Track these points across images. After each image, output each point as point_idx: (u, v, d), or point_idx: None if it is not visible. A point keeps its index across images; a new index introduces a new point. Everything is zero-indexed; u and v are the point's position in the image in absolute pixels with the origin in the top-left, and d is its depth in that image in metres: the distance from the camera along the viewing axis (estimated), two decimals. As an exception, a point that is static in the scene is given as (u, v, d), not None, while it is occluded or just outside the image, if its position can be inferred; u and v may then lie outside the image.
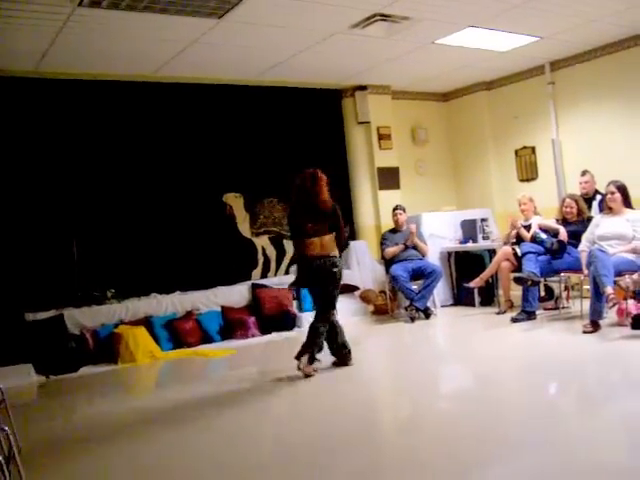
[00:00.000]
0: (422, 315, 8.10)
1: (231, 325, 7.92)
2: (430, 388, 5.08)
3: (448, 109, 10.91)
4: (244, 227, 8.92)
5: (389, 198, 9.51)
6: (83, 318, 7.29)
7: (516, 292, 7.61)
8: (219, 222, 8.68)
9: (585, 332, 6.08)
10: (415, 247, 8.42)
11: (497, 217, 9.52)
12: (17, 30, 6.07)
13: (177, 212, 8.33)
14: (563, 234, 7.18)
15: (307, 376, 5.47)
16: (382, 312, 8.89)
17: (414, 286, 8.22)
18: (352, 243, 9.50)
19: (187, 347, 7.51)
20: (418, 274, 8.25)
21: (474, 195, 10.47)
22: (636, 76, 8.29)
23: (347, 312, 8.67)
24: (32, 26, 6.00)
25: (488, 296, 8.78)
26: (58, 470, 3.76)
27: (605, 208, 6.84)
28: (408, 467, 3.27)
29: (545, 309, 7.76)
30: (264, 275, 9.04)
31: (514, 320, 7.13)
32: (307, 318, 8.23)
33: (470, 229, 8.99)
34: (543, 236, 7.29)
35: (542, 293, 8.03)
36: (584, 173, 7.98)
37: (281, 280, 8.78)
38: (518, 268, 7.44)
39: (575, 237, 7.04)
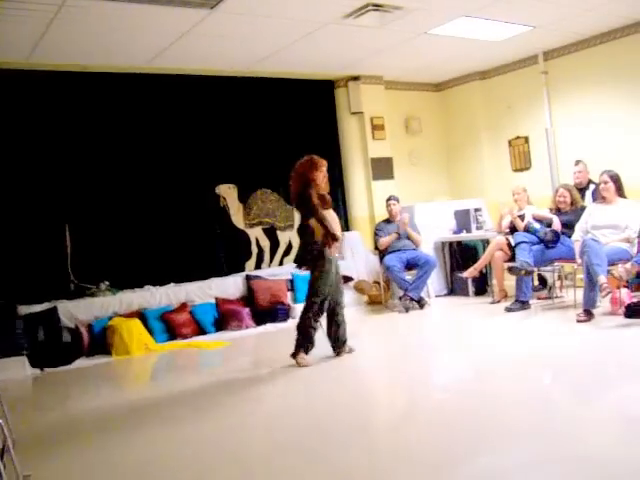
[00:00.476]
0: (416, 305, 8.12)
1: (225, 317, 7.91)
2: (424, 378, 5.09)
3: (441, 99, 10.89)
4: (238, 218, 8.90)
5: (383, 188, 9.51)
6: (77, 311, 7.27)
7: (510, 282, 7.62)
8: (213, 213, 8.66)
9: (579, 321, 6.10)
10: (409, 237, 8.42)
11: (490, 207, 9.52)
12: (8, 21, 6.01)
13: (171, 203, 8.31)
14: (557, 224, 7.19)
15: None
16: (376, 302, 8.91)
17: (408, 276, 8.22)
18: (346, 234, 9.50)
19: (181, 339, 7.51)
20: (412, 264, 8.26)
21: (468, 185, 10.47)
22: (629, 65, 8.28)
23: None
24: (23, 17, 5.95)
25: (482, 286, 8.80)
26: (53, 462, 3.75)
27: (598, 197, 6.85)
28: (402, 458, 3.28)
29: (539, 298, 7.78)
30: (258, 266, 9.03)
31: (508, 310, 7.15)
32: (301, 309, 8.27)
33: (464, 219, 9.00)
34: (537, 226, 7.29)
35: (536, 283, 8.06)
36: (577, 163, 8.00)
37: (275, 271, 8.78)
38: (512, 258, 7.46)
39: (569, 227, 7.06)
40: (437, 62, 9.42)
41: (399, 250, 8.30)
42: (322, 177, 5.71)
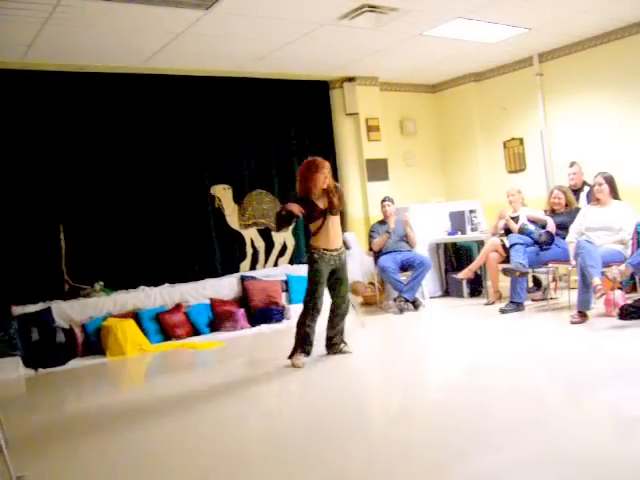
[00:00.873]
0: (411, 306, 8.12)
1: (220, 317, 7.91)
2: (419, 379, 5.09)
3: (437, 101, 10.91)
4: (232, 219, 8.89)
5: (378, 190, 9.51)
6: (71, 311, 7.27)
7: (504, 283, 7.63)
8: (207, 214, 8.65)
9: (573, 323, 6.11)
10: (405, 237, 8.41)
11: (485, 209, 9.54)
12: (2, 21, 6.00)
13: (165, 204, 8.30)
14: (551, 225, 7.20)
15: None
16: (371, 304, 8.91)
17: (403, 277, 8.23)
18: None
19: (176, 340, 7.50)
20: (407, 265, 8.26)
21: (462, 187, 10.49)
22: (624, 68, 8.31)
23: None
24: (18, 17, 5.94)
25: (477, 287, 8.81)
26: (46, 463, 3.74)
27: (593, 199, 6.87)
28: (397, 458, 3.28)
29: (533, 300, 7.79)
30: (253, 267, 9.03)
31: (502, 311, 7.16)
32: (296, 310, 8.26)
33: (459, 220, 9.01)
34: (531, 227, 7.31)
35: (530, 284, 8.07)
36: (572, 164, 8.02)
37: (269, 272, 8.78)
38: (506, 259, 7.47)
39: (563, 228, 7.08)
40: (432, 63, 9.44)
41: (394, 251, 8.31)
42: (322, 179, 5.68)
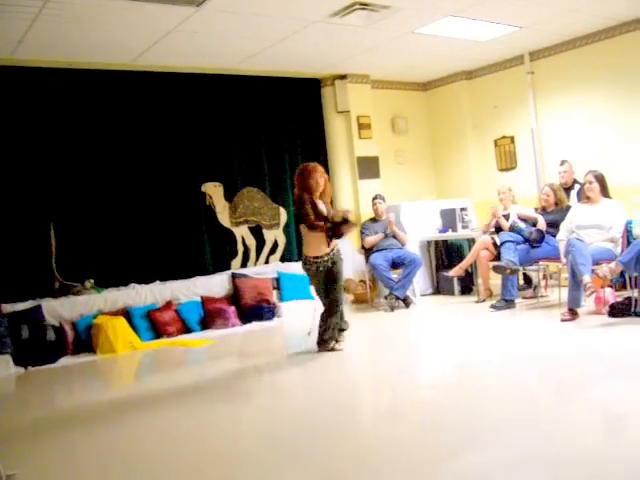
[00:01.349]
0: (402, 304, 8.13)
1: (211, 315, 7.89)
2: (410, 377, 5.10)
3: (428, 99, 10.91)
4: (224, 217, 8.87)
5: (369, 187, 9.52)
6: (62, 309, 7.24)
7: (495, 281, 7.66)
8: (198, 211, 8.63)
9: (563, 320, 6.14)
10: (395, 236, 8.44)
11: (476, 206, 9.57)
12: (-8, 17, 5.99)
13: (156, 201, 8.28)
14: (541, 223, 7.23)
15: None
16: (362, 301, 8.92)
17: (394, 275, 8.24)
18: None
19: (167, 337, 7.48)
20: (398, 263, 8.27)
21: (453, 184, 10.50)
22: (615, 66, 8.33)
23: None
24: (7, 13, 5.90)
25: (467, 285, 8.83)
26: (37, 461, 3.73)
27: (583, 197, 6.89)
28: (388, 456, 3.28)
29: (524, 297, 7.81)
30: (244, 265, 9.01)
31: (493, 308, 7.19)
32: (287, 308, 8.27)
33: (449, 218, 9.03)
34: (522, 225, 7.33)
35: (521, 282, 8.10)
36: (563, 163, 8.05)
37: (260, 270, 8.77)
38: (497, 257, 7.49)
39: (554, 226, 7.10)
40: (424, 61, 9.44)
41: (385, 249, 8.32)
42: (314, 184, 5.82)
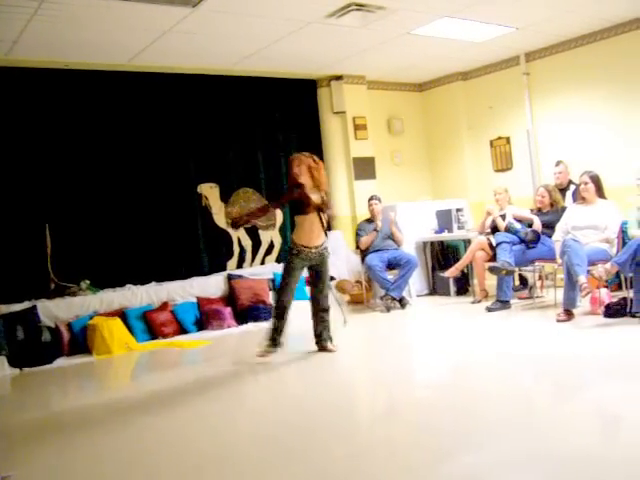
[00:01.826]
0: (398, 305, 8.13)
1: (207, 316, 7.88)
2: (405, 377, 5.10)
3: (424, 99, 10.93)
4: (219, 217, 8.87)
5: (365, 188, 9.52)
6: (57, 310, 7.22)
7: (491, 282, 7.66)
8: (194, 212, 8.63)
9: (559, 321, 6.14)
10: (392, 236, 8.43)
11: (472, 207, 9.57)
12: (-13, 17, 5.98)
13: (152, 202, 8.27)
14: (537, 224, 7.24)
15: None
16: (358, 302, 8.92)
17: (390, 276, 8.23)
18: (328, 233, 9.48)
19: (163, 338, 7.48)
20: (393, 264, 8.27)
21: (449, 185, 10.51)
22: (610, 67, 8.36)
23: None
24: (3, 13, 5.90)
25: (463, 286, 8.83)
26: (32, 462, 3.72)
27: (578, 198, 6.90)
28: (383, 456, 3.28)
29: (519, 298, 7.81)
30: (240, 266, 9.01)
31: (489, 309, 7.18)
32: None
33: (445, 219, 9.03)
34: (517, 226, 7.34)
35: (517, 282, 8.10)
36: (558, 163, 8.06)
37: (256, 271, 8.77)
38: (493, 258, 7.49)
39: (549, 227, 7.11)
40: (419, 62, 9.45)
41: (381, 250, 8.32)
42: (295, 173, 5.79)
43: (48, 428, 4.48)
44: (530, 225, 7.30)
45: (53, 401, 5.64)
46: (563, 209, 7.13)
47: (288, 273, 5.83)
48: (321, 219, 5.82)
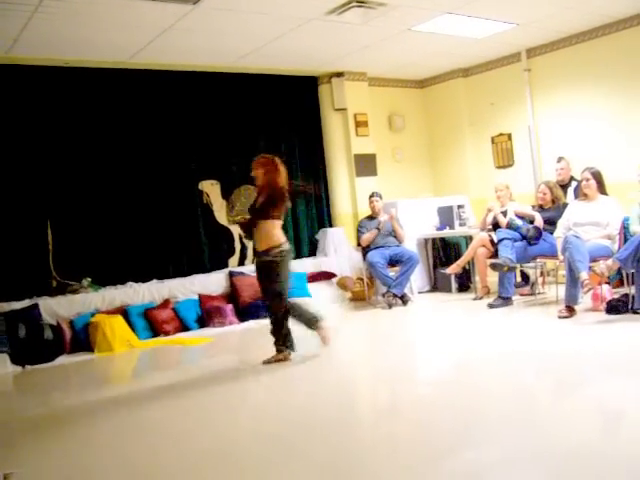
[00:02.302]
0: (399, 301, 8.13)
1: (208, 313, 7.89)
2: (407, 374, 5.10)
3: (425, 96, 10.91)
4: (221, 215, 8.87)
5: (366, 185, 9.51)
6: (59, 307, 7.22)
7: (492, 278, 7.66)
8: (195, 210, 8.62)
9: (560, 317, 6.13)
10: (393, 232, 8.43)
11: (474, 204, 9.56)
12: (-12, 15, 5.97)
13: (154, 200, 8.27)
14: (539, 220, 7.23)
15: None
16: (359, 299, 8.92)
17: (391, 273, 8.24)
18: (329, 230, 9.51)
19: (164, 336, 7.48)
20: (395, 261, 8.27)
21: (451, 182, 10.50)
22: (611, 63, 8.34)
23: (325, 299, 8.71)
24: (3, 10, 5.89)
25: (465, 282, 8.83)
26: (35, 460, 3.72)
27: (580, 194, 6.89)
28: (384, 453, 3.29)
29: (521, 295, 7.82)
30: (241, 263, 9.01)
31: (491, 306, 7.19)
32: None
33: (447, 216, 9.02)
34: (519, 222, 7.33)
35: (518, 279, 8.10)
36: (560, 160, 8.04)
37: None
38: (495, 254, 7.49)
39: (551, 223, 7.10)
40: (420, 59, 9.43)
41: (382, 246, 8.32)
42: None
43: (50, 425, 4.49)
44: (532, 222, 7.30)
45: (55, 398, 5.64)
46: (565, 205, 7.12)
47: (281, 274, 5.64)
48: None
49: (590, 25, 8.36)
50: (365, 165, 9.72)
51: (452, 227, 8.93)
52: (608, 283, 6.55)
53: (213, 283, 8.30)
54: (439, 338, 6.31)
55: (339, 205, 9.76)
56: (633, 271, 5.84)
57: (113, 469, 3.49)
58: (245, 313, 8.06)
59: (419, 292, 8.97)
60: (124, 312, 7.46)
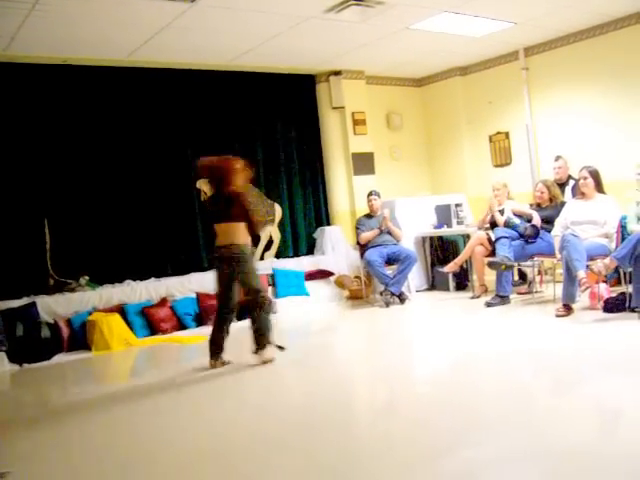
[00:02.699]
0: (397, 300, 8.13)
1: (206, 311, 7.86)
2: (405, 373, 5.10)
3: (423, 94, 10.91)
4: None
5: (364, 183, 9.52)
6: (56, 306, 7.21)
7: (490, 277, 7.66)
8: (193, 208, 8.61)
9: (558, 316, 6.14)
10: (390, 232, 8.43)
11: (471, 202, 9.56)
12: (-16, 13, 5.96)
13: (151, 198, 8.26)
14: (536, 219, 7.23)
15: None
16: (357, 297, 8.92)
17: (389, 271, 8.23)
18: (327, 228, 9.51)
19: (162, 334, 7.48)
20: (393, 259, 8.27)
21: (448, 180, 10.51)
22: (609, 62, 8.35)
23: (322, 297, 8.72)
24: (0, 8, 5.88)
25: (462, 281, 8.83)
26: (31, 457, 3.72)
27: (578, 193, 6.90)
28: (382, 451, 3.28)
29: (519, 293, 7.82)
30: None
31: (488, 304, 7.19)
32: (282, 304, 8.27)
33: (444, 214, 9.02)
34: (516, 221, 7.34)
35: (516, 277, 8.10)
36: (557, 158, 8.05)
37: (255, 266, 8.74)
38: (492, 253, 7.49)
39: (548, 222, 7.11)
40: (418, 57, 9.43)
41: (380, 245, 8.31)
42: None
43: (47, 424, 4.49)
44: (529, 220, 7.30)
45: (52, 397, 5.64)
46: (562, 204, 7.12)
47: (253, 272, 5.70)
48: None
49: (588, 24, 8.37)
50: (363, 163, 9.72)
51: (450, 225, 8.93)
52: (605, 282, 6.56)
53: (211, 281, 8.24)
54: (436, 337, 6.31)
55: (337, 203, 9.77)
56: (630, 270, 5.84)
57: (109, 467, 3.48)
58: (242, 311, 8.02)
59: (417, 290, 8.98)
60: (122, 310, 7.46)
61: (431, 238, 9.31)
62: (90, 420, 4.46)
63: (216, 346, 5.65)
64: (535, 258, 7.31)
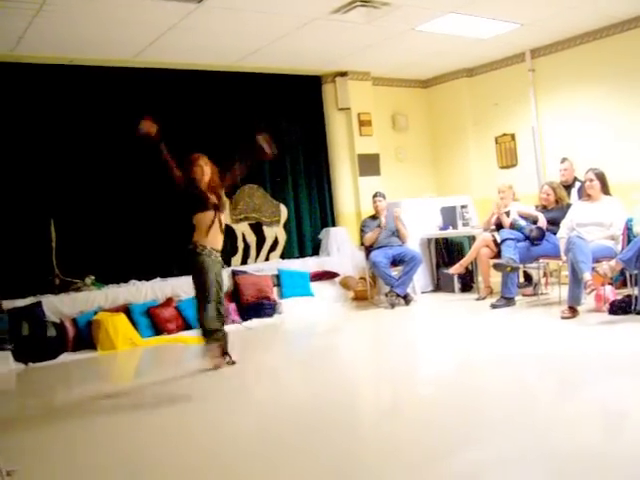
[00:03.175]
0: (402, 301, 8.12)
1: (211, 312, 7.88)
2: (409, 374, 5.10)
3: (428, 96, 10.90)
4: (224, 213, 8.84)
5: (369, 185, 9.51)
6: (62, 305, 7.22)
7: (495, 278, 7.65)
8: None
9: (563, 318, 6.13)
10: (396, 232, 8.42)
11: (477, 204, 9.56)
12: (-7, 13, 5.98)
13: (157, 198, 8.26)
14: (542, 221, 7.22)
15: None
16: (362, 298, 8.91)
17: (394, 272, 8.23)
18: (332, 230, 9.51)
19: (167, 334, 7.48)
20: (398, 260, 8.27)
21: (454, 182, 10.49)
22: (616, 64, 8.33)
23: (327, 298, 8.71)
24: (8, 9, 5.90)
25: (468, 282, 8.83)
26: (37, 456, 3.73)
27: (584, 195, 6.89)
28: (387, 452, 3.28)
29: (524, 295, 7.81)
30: (244, 262, 9.01)
31: (493, 306, 7.18)
32: (287, 304, 8.27)
33: (450, 216, 9.02)
34: (522, 223, 7.33)
35: (521, 279, 8.09)
36: (563, 160, 8.04)
37: (261, 267, 8.76)
38: (498, 254, 7.49)
39: (554, 224, 7.10)
40: (424, 59, 9.42)
41: (385, 246, 8.31)
42: (200, 172, 5.95)
43: (53, 423, 4.50)
44: (535, 222, 7.29)
45: (58, 396, 5.66)
46: (568, 206, 7.11)
47: (205, 273, 5.65)
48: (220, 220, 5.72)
49: (595, 25, 8.35)
50: (368, 164, 9.72)
51: (455, 227, 8.93)
52: (611, 284, 6.55)
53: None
54: (441, 338, 6.31)
55: (342, 204, 9.76)
56: (636, 272, 5.83)
57: (113, 466, 3.49)
58: (248, 312, 8.06)
59: (422, 292, 8.97)
60: (127, 310, 7.46)
61: (436, 240, 9.31)
62: (95, 419, 4.47)
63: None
64: (540, 260, 7.30)
